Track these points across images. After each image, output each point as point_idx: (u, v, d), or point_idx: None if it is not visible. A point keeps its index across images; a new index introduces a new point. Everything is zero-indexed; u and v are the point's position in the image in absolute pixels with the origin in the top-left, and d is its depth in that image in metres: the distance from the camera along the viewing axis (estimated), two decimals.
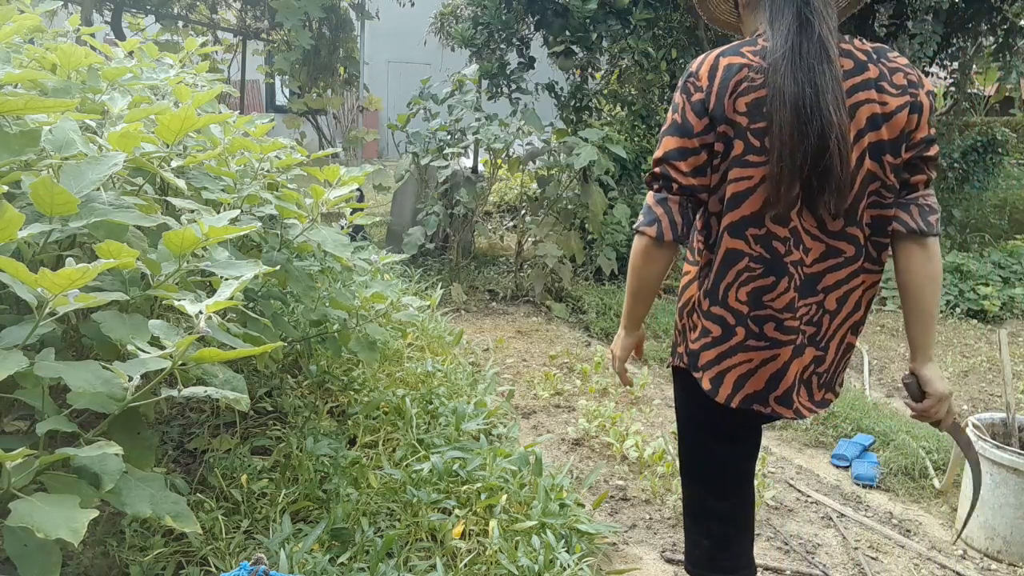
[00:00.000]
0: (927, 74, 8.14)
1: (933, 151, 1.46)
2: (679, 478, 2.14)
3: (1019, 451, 2.55)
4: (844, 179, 1.37)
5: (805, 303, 1.47)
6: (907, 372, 1.59)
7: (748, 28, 1.59)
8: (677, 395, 1.71)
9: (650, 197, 1.51)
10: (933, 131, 1.45)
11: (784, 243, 1.43)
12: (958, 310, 6.14)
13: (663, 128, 1.50)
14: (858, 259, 1.46)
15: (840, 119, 1.34)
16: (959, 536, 2.70)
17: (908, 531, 2.75)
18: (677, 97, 1.47)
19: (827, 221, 1.43)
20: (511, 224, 8.13)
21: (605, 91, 6.85)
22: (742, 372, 1.50)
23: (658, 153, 1.49)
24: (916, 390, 1.56)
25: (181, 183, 1.83)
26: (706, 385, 1.53)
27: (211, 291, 1.70)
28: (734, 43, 1.48)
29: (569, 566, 2.09)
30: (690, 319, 1.57)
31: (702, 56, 1.48)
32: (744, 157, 1.41)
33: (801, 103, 1.34)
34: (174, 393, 1.39)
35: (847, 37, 1.45)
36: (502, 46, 6.33)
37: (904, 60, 1.44)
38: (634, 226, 1.52)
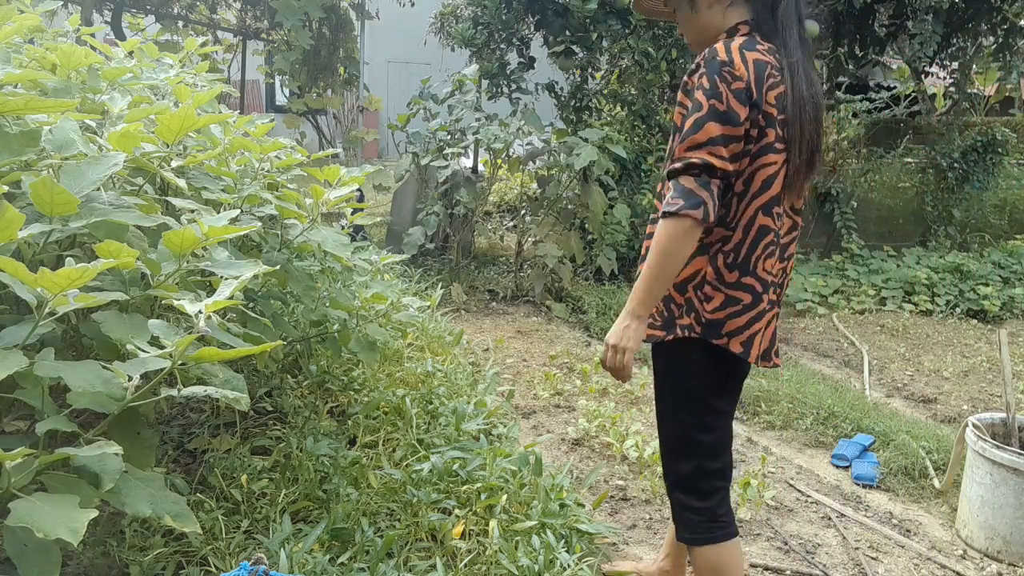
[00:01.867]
0: (927, 74, 8.17)
1: None
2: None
3: (1019, 451, 2.55)
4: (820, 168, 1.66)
5: (782, 269, 1.73)
6: None
7: (714, 20, 1.68)
8: (677, 368, 1.73)
9: (689, 181, 1.54)
10: None
11: (779, 219, 1.67)
12: (958, 310, 6.14)
13: (698, 115, 1.54)
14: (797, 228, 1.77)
15: (821, 120, 1.67)
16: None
17: (908, 531, 2.75)
18: (716, 85, 1.53)
19: (793, 200, 1.71)
20: (511, 224, 8.13)
21: (605, 91, 6.85)
22: (762, 332, 1.69)
23: (698, 138, 1.53)
24: None
25: (181, 183, 1.83)
26: (736, 348, 1.66)
27: (211, 291, 1.69)
28: (740, 38, 1.60)
29: (569, 566, 2.09)
30: (700, 292, 1.66)
31: (721, 47, 1.57)
32: (773, 144, 1.59)
33: (812, 105, 1.61)
34: (174, 393, 1.39)
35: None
36: (502, 46, 6.32)
37: None
38: (672, 210, 1.53)
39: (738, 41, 1.58)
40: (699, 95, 1.55)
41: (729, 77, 1.53)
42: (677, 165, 1.55)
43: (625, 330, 1.62)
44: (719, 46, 1.57)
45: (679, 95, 1.65)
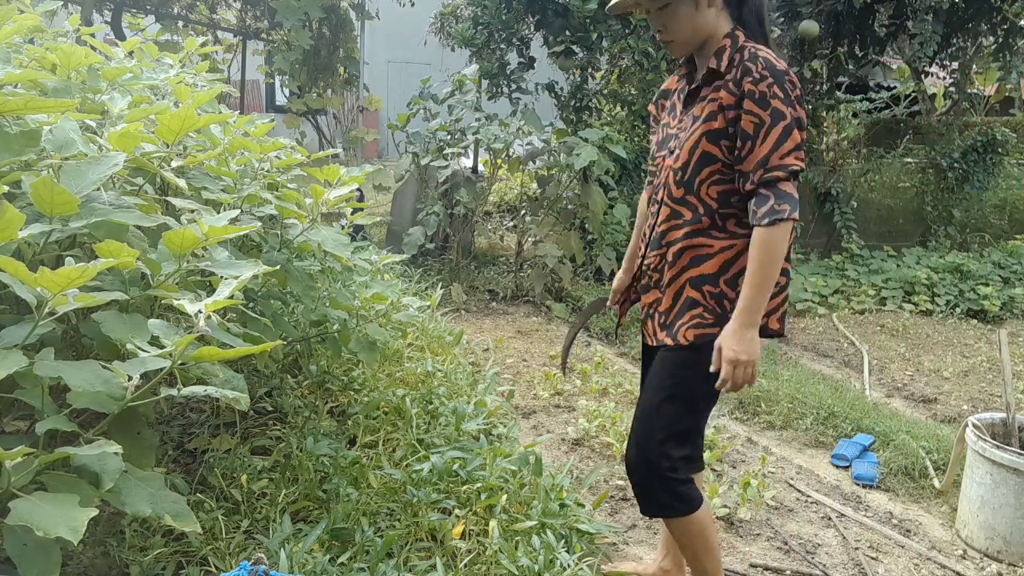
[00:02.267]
0: (927, 74, 8.17)
1: None
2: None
3: (1019, 451, 2.55)
4: None
5: None
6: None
7: (709, 22, 1.72)
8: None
9: (789, 187, 1.64)
10: None
11: None
12: (958, 310, 6.14)
13: (784, 123, 1.62)
14: None
15: None
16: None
17: (908, 531, 2.75)
18: (789, 94, 1.63)
19: None
20: (511, 224, 8.13)
21: (605, 91, 6.85)
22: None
23: (789, 145, 1.63)
24: None
25: (181, 183, 1.83)
26: (774, 325, 1.80)
27: (211, 291, 1.69)
28: (768, 48, 1.70)
29: (569, 566, 2.09)
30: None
31: (770, 56, 1.65)
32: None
33: None
34: (174, 392, 1.39)
35: None
36: (502, 46, 6.32)
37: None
38: (784, 216, 1.61)
39: (771, 50, 1.69)
40: (778, 104, 1.62)
41: (791, 86, 1.64)
42: (779, 173, 1.62)
43: (750, 343, 1.68)
44: (768, 56, 1.65)
45: (746, 103, 1.63)
